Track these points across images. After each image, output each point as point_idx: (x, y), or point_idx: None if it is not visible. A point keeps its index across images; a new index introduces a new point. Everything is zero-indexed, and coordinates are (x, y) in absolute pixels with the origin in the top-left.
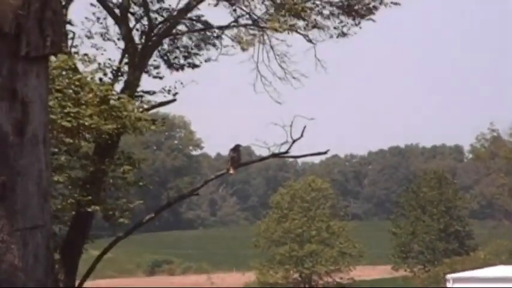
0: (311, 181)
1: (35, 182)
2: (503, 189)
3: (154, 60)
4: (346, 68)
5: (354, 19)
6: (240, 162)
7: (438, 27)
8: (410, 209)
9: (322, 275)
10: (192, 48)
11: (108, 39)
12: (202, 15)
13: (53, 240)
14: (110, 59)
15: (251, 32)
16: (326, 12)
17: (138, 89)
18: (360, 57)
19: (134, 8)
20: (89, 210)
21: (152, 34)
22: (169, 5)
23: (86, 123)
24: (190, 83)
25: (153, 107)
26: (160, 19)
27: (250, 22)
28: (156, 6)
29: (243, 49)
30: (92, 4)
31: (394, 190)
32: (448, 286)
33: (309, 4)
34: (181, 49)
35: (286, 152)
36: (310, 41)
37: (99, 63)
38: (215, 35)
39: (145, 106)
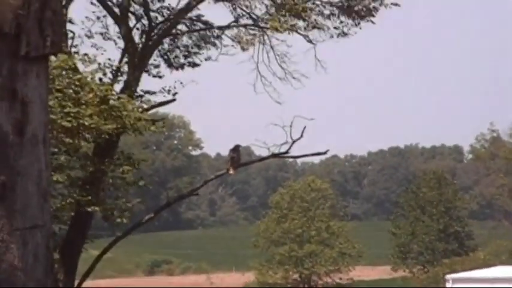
0: (311, 181)
1: (35, 182)
2: (503, 190)
3: (155, 60)
4: (346, 68)
5: (353, 20)
6: (240, 162)
7: (438, 27)
8: (410, 209)
9: (322, 275)
10: (192, 48)
11: (108, 38)
12: (203, 15)
13: (52, 240)
14: (109, 59)
15: (251, 32)
16: (326, 12)
17: (138, 89)
18: (360, 57)
19: (134, 8)
20: (89, 210)
21: (152, 34)
22: (169, 4)
23: (86, 123)
24: (190, 82)
25: (153, 106)
26: (160, 19)
27: (250, 22)
28: (157, 5)
29: (243, 49)
30: (92, 3)
31: (394, 190)
32: (447, 286)
33: (309, 4)
34: (182, 48)
35: (286, 152)
36: (310, 41)
37: (99, 63)
38: (215, 34)
39: (145, 106)
